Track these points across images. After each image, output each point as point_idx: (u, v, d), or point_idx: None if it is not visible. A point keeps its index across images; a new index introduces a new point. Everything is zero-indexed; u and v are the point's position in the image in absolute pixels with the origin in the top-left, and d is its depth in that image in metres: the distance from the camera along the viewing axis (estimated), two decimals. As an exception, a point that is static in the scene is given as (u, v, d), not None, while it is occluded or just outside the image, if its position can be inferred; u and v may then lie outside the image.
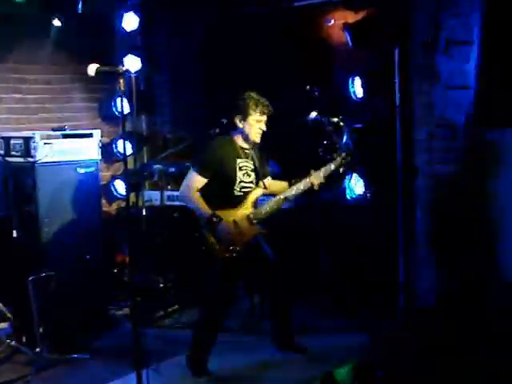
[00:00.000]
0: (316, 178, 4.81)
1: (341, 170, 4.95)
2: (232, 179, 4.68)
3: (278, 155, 5.92)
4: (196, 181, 4.64)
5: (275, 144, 6.46)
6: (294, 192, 4.82)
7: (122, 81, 3.49)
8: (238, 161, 4.71)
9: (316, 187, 4.83)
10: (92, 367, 5.01)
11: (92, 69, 3.58)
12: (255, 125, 4.66)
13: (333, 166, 4.88)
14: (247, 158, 4.78)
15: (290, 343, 5.06)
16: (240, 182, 4.71)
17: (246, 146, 4.77)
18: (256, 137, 4.71)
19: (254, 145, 4.79)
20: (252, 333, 5.59)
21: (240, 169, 4.71)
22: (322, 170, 4.86)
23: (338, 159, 4.89)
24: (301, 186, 4.81)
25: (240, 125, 4.68)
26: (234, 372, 4.86)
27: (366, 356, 4.37)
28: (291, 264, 5.16)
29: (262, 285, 5.08)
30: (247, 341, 5.45)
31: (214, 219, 4.53)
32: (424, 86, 5.26)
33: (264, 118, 4.68)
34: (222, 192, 4.70)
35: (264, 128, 4.70)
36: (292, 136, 6.21)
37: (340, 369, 4.10)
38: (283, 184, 4.95)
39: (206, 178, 4.62)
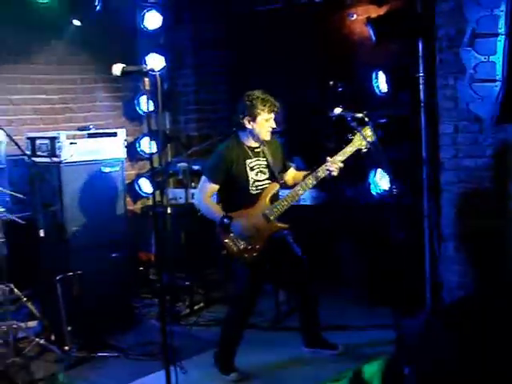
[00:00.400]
0: (333, 162, 4.68)
1: (363, 149, 4.72)
2: (245, 180, 4.66)
3: (303, 151, 5.91)
4: (207, 187, 4.65)
5: (299, 140, 6.48)
6: (311, 181, 4.71)
7: (146, 80, 3.49)
8: (248, 161, 4.68)
9: (335, 172, 4.66)
10: (120, 365, 5.04)
11: (117, 69, 3.58)
12: (265, 124, 4.62)
13: (349, 149, 4.71)
14: (258, 156, 4.73)
15: (318, 339, 5.05)
16: (254, 181, 4.68)
17: (255, 145, 4.74)
18: (266, 135, 4.67)
19: (263, 142, 4.76)
20: (279, 329, 5.60)
21: (252, 169, 4.68)
22: (340, 153, 4.76)
23: (355, 140, 4.72)
24: (318, 172, 4.70)
25: (249, 126, 4.63)
26: (261, 369, 4.85)
27: (394, 353, 4.33)
28: (317, 261, 5.14)
29: (289, 281, 5.06)
30: (274, 337, 5.46)
31: (225, 221, 4.53)
32: (449, 79, 5.20)
33: (272, 115, 4.64)
34: (238, 194, 4.69)
35: (274, 125, 4.66)
36: (316, 132, 6.20)
37: (368, 365, 4.06)
38: (303, 175, 4.85)
39: (217, 184, 4.62)
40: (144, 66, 3.56)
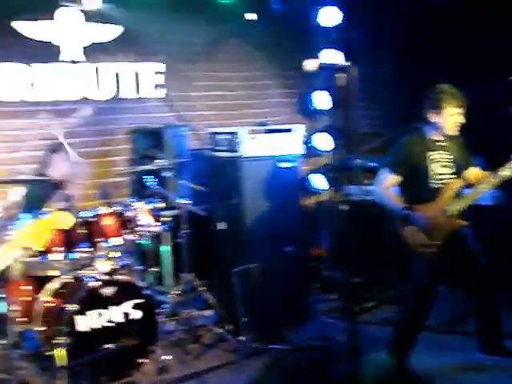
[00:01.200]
0: None
1: None
2: (424, 173, 4.57)
3: (484, 150, 5.66)
4: (387, 179, 4.65)
5: (481, 139, 6.20)
6: (495, 179, 4.53)
7: (341, 75, 3.48)
8: (430, 153, 4.59)
9: None
10: (294, 358, 5.05)
11: (311, 64, 3.61)
12: (451, 118, 4.54)
13: None
14: (442, 150, 4.63)
15: (498, 346, 4.81)
16: (435, 174, 4.57)
17: (440, 138, 4.64)
18: (453, 129, 4.59)
19: (450, 137, 4.63)
20: (454, 332, 5.40)
21: (433, 161, 4.58)
22: None
23: None
24: (503, 171, 4.52)
25: (435, 119, 4.58)
26: (434, 372, 4.68)
27: None
28: (497, 263, 4.90)
29: (468, 281, 4.85)
30: (448, 340, 5.27)
31: (405, 211, 4.48)
32: None
33: (459, 110, 4.54)
34: (418, 187, 4.61)
35: (462, 120, 4.56)
36: (498, 130, 5.91)
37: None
38: (486, 174, 4.70)
39: (396, 174, 4.61)
40: (338, 61, 3.54)
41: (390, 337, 4.79)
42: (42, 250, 4.39)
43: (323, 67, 3.58)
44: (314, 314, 5.95)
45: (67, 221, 3.01)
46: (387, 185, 4.66)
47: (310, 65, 3.61)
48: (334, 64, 3.67)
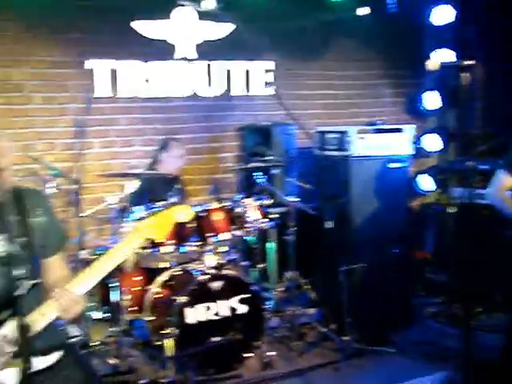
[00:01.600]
0: None
1: None
2: None
3: None
4: (503, 181, 4.43)
5: None
6: None
7: (464, 75, 3.40)
8: None
9: None
10: (397, 361, 5.00)
11: (433, 64, 3.55)
12: None
13: None
14: None
15: None
16: None
17: None
18: None
19: None
20: None
21: None
22: None
23: None
24: None
25: None
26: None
27: None
28: None
29: None
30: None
31: None
32: None
33: None
34: None
35: None
36: None
37: None
38: None
39: None
40: (461, 61, 3.45)
41: (501, 344, 4.64)
42: (161, 242, 4.54)
43: (444, 66, 3.48)
44: (417, 318, 5.85)
45: (187, 214, 3.07)
46: (503, 187, 4.49)
47: (431, 64, 3.54)
48: (457, 63, 3.57)
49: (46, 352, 2.81)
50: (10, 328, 2.69)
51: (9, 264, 2.73)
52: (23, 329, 2.42)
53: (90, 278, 2.82)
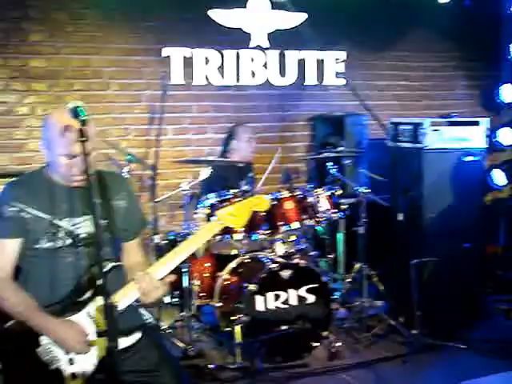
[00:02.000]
0: None
1: None
2: None
3: None
4: None
5: None
6: None
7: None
8: None
9: None
10: (466, 358, 4.92)
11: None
12: None
13: None
14: None
15: None
16: None
17: None
18: None
19: None
20: None
21: None
22: None
23: None
24: None
25: None
26: None
27: None
28: None
29: None
30: None
31: None
32: None
33: None
34: None
35: None
36: None
37: None
38: None
39: None
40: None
41: None
42: (235, 229, 4.58)
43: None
44: (488, 314, 5.75)
45: (265, 204, 3.11)
46: None
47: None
48: None
49: (126, 332, 2.89)
50: (94, 307, 2.78)
51: (93, 245, 2.82)
52: (110, 308, 2.49)
53: (171, 263, 2.89)
